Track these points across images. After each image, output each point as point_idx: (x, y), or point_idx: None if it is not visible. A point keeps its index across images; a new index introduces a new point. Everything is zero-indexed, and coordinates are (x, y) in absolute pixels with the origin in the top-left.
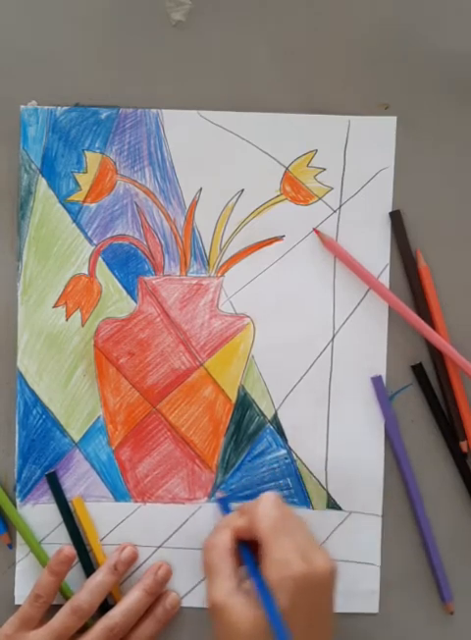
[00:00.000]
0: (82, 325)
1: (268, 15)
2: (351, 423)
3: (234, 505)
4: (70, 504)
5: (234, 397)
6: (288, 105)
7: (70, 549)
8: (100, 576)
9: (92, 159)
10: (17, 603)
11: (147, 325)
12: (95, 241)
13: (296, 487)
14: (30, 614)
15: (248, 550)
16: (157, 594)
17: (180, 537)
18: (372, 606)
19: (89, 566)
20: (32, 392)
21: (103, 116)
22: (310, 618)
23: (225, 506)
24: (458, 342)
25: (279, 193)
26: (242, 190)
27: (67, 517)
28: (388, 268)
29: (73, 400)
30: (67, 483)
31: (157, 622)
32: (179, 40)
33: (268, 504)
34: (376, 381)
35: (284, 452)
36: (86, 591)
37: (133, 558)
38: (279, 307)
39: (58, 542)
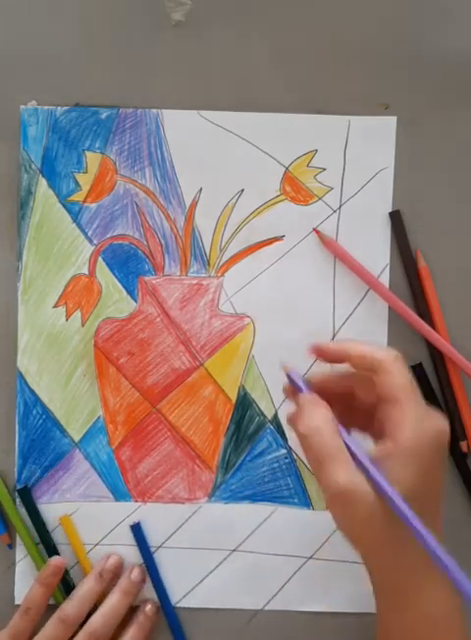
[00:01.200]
0: (82, 325)
1: (268, 15)
2: None
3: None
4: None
5: (234, 397)
6: (288, 105)
7: (59, 560)
8: (86, 585)
9: (92, 159)
10: (17, 603)
11: (147, 325)
12: (95, 241)
13: (297, 487)
14: (21, 628)
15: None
16: (135, 594)
17: (180, 537)
18: (372, 606)
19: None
20: (32, 392)
21: (103, 116)
22: (441, 482)
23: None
24: (458, 342)
25: (279, 193)
26: (242, 190)
27: (44, 536)
28: (388, 268)
29: (73, 399)
30: (67, 483)
31: (140, 628)
32: (179, 40)
33: (395, 357)
34: None
35: (284, 451)
36: (73, 600)
37: (119, 566)
38: (279, 307)
39: (57, 542)
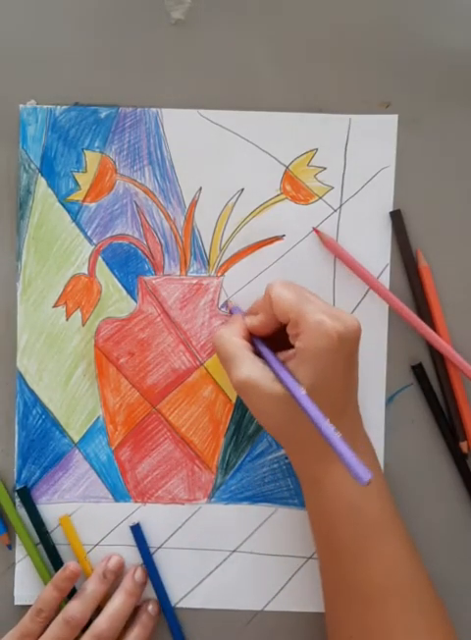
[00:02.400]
0: (82, 325)
1: (268, 14)
2: None
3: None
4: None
5: (234, 397)
6: (288, 104)
7: (75, 565)
8: (90, 586)
9: (92, 158)
10: (17, 603)
11: (147, 325)
12: (95, 241)
13: (297, 487)
14: (31, 629)
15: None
16: (138, 595)
17: (179, 538)
18: None
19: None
20: (32, 392)
21: (102, 115)
22: (345, 378)
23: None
24: (458, 342)
25: (279, 193)
26: (242, 190)
27: (43, 536)
28: (388, 268)
29: (72, 400)
30: (66, 483)
31: (144, 628)
32: (178, 39)
33: (279, 285)
34: None
35: (284, 452)
36: (78, 601)
37: (120, 566)
38: None
39: (57, 542)
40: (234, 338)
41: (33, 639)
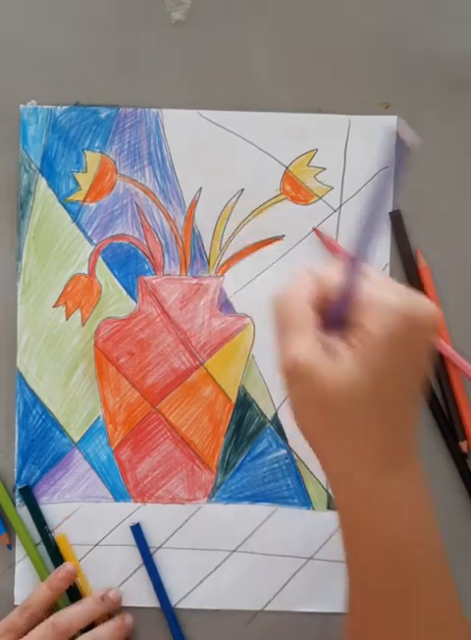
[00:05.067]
0: (82, 325)
1: (268, 14)
2: None
3: None
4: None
5: (234, 397)
6: (289, 105)
7: (72, 566)
8: (86, 603)
9: (92, 159)
10: (17, 603)
11: (147, 325)
12: (95, 241)
13: (297, 487)
14: (16, 624)
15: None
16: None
17: (179, 537)
18: None
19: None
20: (32, 392)
21: (103, 115)
22: (408, 372)
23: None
24: (458, 342)
25: (279, 193)
26: (242, 190)
27: (44, 535)
28: (388, 268)
29: (73, 400)
30: (66, 483)
31: (118, 629)
32: (179, 40)
33: (334, 268)
34: None
35: (284, 452)
36: (70, 611)
37: (118, 601)
38: None
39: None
40: (303, 303)
41: (16, 635)
